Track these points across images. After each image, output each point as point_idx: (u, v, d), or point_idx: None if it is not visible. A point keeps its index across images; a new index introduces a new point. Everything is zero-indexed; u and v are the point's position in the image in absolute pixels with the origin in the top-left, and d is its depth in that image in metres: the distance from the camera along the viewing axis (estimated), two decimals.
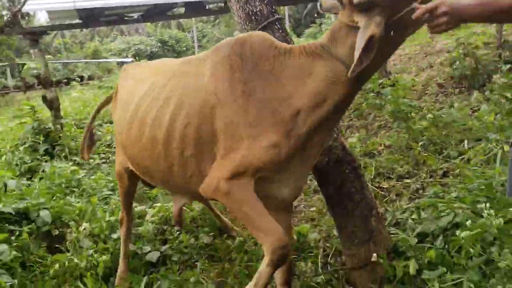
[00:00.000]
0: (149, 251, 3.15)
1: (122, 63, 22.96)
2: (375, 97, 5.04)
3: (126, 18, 6.20)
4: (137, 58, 24.99)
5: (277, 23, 2.51)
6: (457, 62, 5.82)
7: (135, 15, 6.16)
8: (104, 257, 2.96)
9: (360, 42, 1.68)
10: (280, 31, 2.51)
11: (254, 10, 2.51)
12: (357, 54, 1.68)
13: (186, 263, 3.14)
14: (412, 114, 4.50)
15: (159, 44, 29.65)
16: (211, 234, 3.35)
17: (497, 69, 5.47)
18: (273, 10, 2.55)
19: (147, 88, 2.37)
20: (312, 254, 2.91)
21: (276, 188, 2.07)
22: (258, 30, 2.46)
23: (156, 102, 2.24)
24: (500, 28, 5.86)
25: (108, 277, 2.97)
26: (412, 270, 2.06)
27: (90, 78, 18.02)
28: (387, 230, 2.57)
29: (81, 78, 16.63)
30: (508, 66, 5.36)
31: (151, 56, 27.71)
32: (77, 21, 6.06)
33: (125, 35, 34.20)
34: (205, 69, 2.11)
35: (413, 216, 3.08)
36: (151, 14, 6.29)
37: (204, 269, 3.02)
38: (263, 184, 2.01)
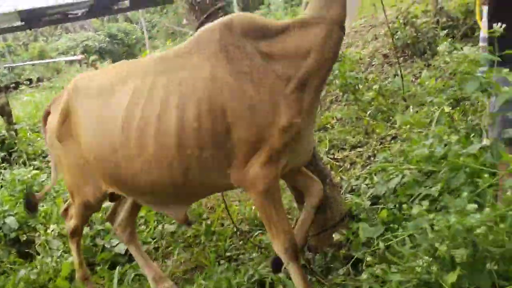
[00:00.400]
0: (118, 244, 3.23)
1: (71, 61, 22.24)
2: None
3: (69, 16, 6.08)
4: (86, 55, 24.27)
5: (220, 10, 2.62)
6: (398, 32, 6.09)
7: (79, 12, 6.05)
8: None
9: None
10: None
11: (197, 0, 2.60)
12: None
13: (156, 252, 3.25)
14: (360, 86, 4.72)
15: (107, 38, 28.84)
16: None
17: (435, 36, 5.77)
18: None
19: (130, 96, 2.16)
20: None
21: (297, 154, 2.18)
22: (203, 19, 2.56)
23: (152, 107, 2.08)
24: None
25: None
26: (361, 235, 2.25)
27: (40, 80, 17.39)
28: (342, 196, 2.76)
29: (30, 80, 16.02)
30: (445, 31, 5.67)
31: (101, 52, 26.96)
32: (19, 23, 5.90)
33: (71, 32, 32.99)
34: (199, 63, 2.06)
35: (366, 182, 3.32)
36: (95, 10, 6.20)
37: (177, 254, 3.14)
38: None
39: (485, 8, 3.06)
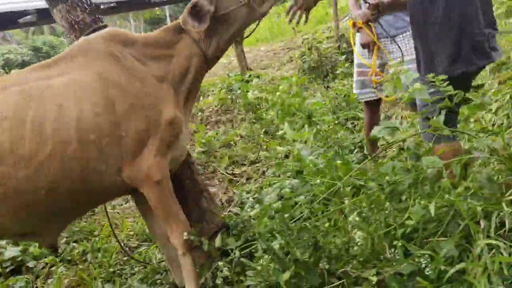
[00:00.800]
0: None
1: None
2: (228, 93, 5.46)
3: None
4: (6, 68, 23.02)
5: (99, 30, 2.69)
6: (305, 56, 6.47)
7: None
8: None
9: None
10: None
11: (76, 20, 2.64)
12: None
13: (42, 270, 3.19)
14: (260, 105, 4.97)
15: (30, 52, 27.55)
16: (67, 237, 3.43)
17: (336, 60, 6.21)
18: (97, 18, 2.71)
19: (17, 100, 2.10)
20: None
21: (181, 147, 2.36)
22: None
23: (46, 106, 2.08)
24: (336, 23, 6.63)
25: None
26: (217, 243, 2.40)
27: None
28: (218, 209, 2.88)
29: None
30: (344, 56, 6.11)
31: (23, 65, 25.67)
32: None
33: None
34: (86, 65, 2.19)
35: (255, 195, 3.50)
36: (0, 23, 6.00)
37: (62, 273, 3.10)
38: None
39: (357, 35, 3.40)
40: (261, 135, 4.56)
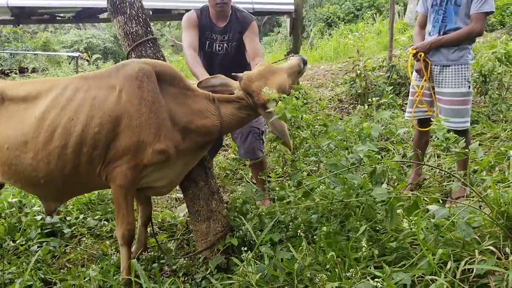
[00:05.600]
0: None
1: (72, 57, 22.68)
2: None
3: (58, 18, 6.58)
4: (89, 52, 24.66)
5: (149, 42, 3.10)
6: (354, 82, 6.64)
7: (66, 16, 6.54)
8: None
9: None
10: (152, 49, 3.10)
11: (131, 30, 3.07)
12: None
13: (71, 240, 3.66)
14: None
15: (112, 38, 29.39)
16: (101, 215, 3.89)
17: (383, 90, 6.32)
18: (148, 31, 3.13)
19: (48, 103, 2.57)
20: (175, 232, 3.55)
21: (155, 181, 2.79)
22: (133, 47, 3.05)
23: (65, 113, 2.52)
24: (390, 53, 6.74)
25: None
26: (234, 242, 2.74)
27: (34, 70, 17.82)
28: (226, 211, 3.20)
29: (23, 70, 16.41)
30: (391, 88, 6.22)
31: (105, 51, 27.45)
32: (9, 17, 6.39)
33: (80, 28, 33.59)
34: (114, 85, 2.58)
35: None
36: (82, 16, 6.72)
37: (89, 244, 3.56)
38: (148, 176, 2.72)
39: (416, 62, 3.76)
40: (287, 152, 4.82)
